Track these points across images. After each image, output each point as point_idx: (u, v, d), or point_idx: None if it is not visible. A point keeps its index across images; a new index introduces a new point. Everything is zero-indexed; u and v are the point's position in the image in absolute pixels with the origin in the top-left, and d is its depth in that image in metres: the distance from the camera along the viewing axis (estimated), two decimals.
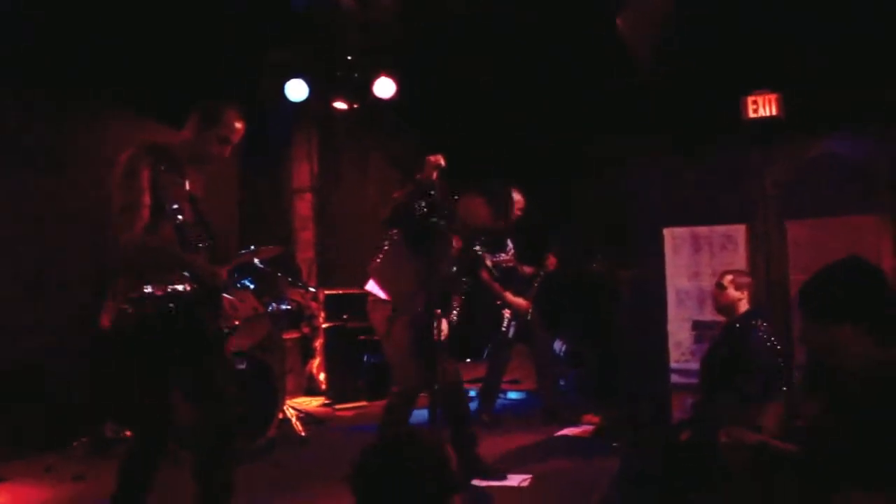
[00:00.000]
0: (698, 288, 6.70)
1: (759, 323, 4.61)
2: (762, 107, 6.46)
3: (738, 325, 4.67)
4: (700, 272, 6.69)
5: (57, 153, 5.99)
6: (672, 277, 6.77)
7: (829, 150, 6.49)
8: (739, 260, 6.52)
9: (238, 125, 3.69)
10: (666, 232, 6.76)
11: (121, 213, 3.31)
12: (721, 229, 6.58)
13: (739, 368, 4.34)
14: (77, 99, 6.14)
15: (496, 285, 6.03)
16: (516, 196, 5.97)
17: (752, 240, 6.53)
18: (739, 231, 6.56)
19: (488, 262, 5.94)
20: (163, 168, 3.39)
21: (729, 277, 4.84)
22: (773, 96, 6.40)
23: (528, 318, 6.28)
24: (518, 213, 5.98)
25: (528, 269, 6.27)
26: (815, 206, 6.52)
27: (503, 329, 6.15)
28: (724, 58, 6.28)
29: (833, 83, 6.12)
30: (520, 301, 6.16)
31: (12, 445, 5.40)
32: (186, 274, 3.42)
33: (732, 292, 4.76)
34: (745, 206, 6.73)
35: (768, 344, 4.44)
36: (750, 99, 6.44)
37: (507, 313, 6.15)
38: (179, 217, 3.41)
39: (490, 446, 5.29)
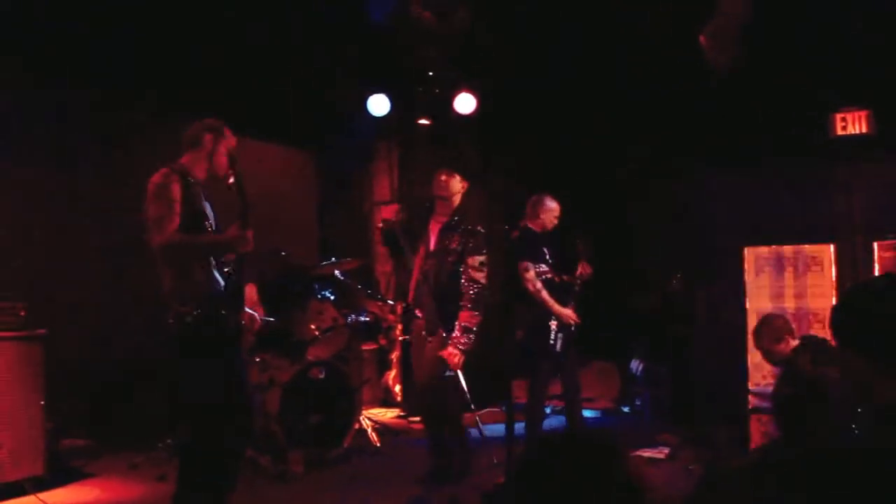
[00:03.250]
0: (780, 309, 6.52)
1: (807, 357, 4.50)
2: (851, 124, 6.30)
3: (794, 362, 4.57)
4: (782, 293, 6.53)
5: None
6: (753, 298, 6.63)
7: None
8: (826, 281, 6.34)
9: (216, 144, 3.84)
10: (747, 251, 6.63)
11: (154, 223, 3.62)
12: (807, 249, 6.41)
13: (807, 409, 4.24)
14: (162, 116, 6.40)
15: (544, 295, 5.82)
16: (552, 204, 5.93)
17: (840, 261, 6.35)
18: (826, 251, 6.38)
19: (531, 273, 5.84)
20: (191, 181, 3.75)
21: (765, 343, 4.74)
22: (862, 113, 6.24)
23: (573, 329, 6.03)
24: (554, 220, 5.94)
25: (564, 278, 6.04)
26: None
27: (551, 342, 5.89)
28: (813, 73, 6.13)
29: None
30: (567, 312, 5.92)
31: (102, 442, 5.67)
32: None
33: (778, 347, 4.67)
34: (832, 225, 6.57)
35: (826, 377, 4.30)
36: (839, 115, 6.30)
37: (553, 325, 5.88)
38: (210, 223, 3.78)
39: None
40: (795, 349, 4.63)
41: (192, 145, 3.89)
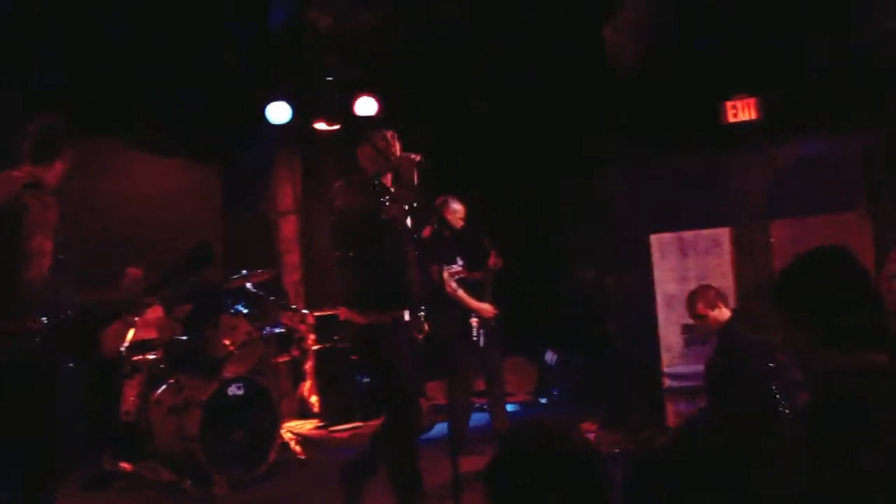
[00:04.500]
0: (686, 292, 6.78)
1: (743, 327, 4.69)
2: (741, 111, 6.60)
3: (726, 334, 4.73)
4: (687, 276, 6.77)
5: None
6: (660, 283, 6.85)
7: (807, 151, 6.64)
8: (725, 263, 6.62)
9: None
10: (653, 238, 6.85)
11: None
12: (706, 233, 6.68)
13: (736, 374, 4.40)
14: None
15: (460, 294, 5.88)
16: (456, 205, 6.00)
17: (737, 242, 6.64)
18: (724, 234, 6.66)
19: (445, 274, 5.89)
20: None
21: (700, 305, 4.91)
22: (751, 100, 6.54)
23: (493, 323, 6.11)
24: (460, 221, 6.01)
25: (476, 275, 6.13)
26: (796, 206, 6.66)
27: (473, 339, 5.96)
28: (703, 64, 6.39)
29: (809, 86, 6.26)
30: (485, 306, 5.99)
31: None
32: None
33: (712, 313, 4.84)
34: (728, 209, 6.86)
35: (760, 343, 4.50)
36: (729, 104, 6.58)
37: (474, 322, 5.95)
38: None
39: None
40: (732, 318, 4.79)
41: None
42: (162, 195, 7.35)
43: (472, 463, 3.97)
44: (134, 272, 3.94)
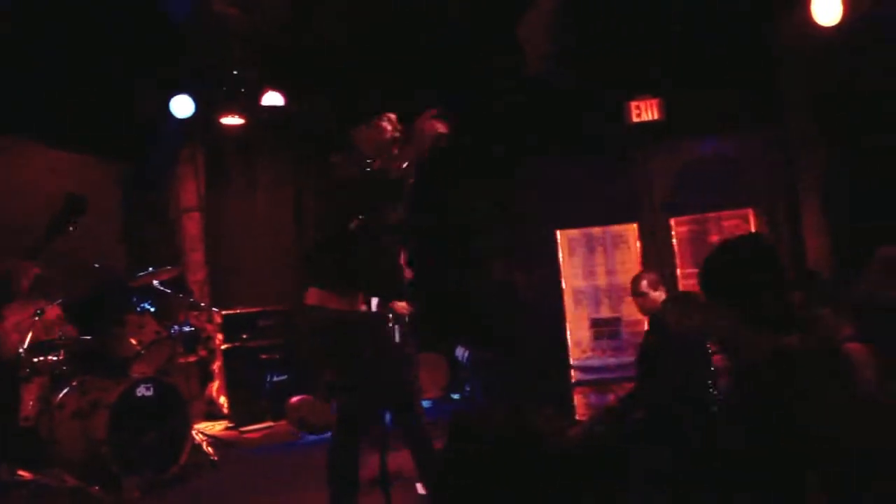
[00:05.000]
0: (594, 287, 6.99)
1: (675, 311, 4.85)
2: (644, 111, 6.84)
3: (658, 314, 4.91)
4: (595, 271, 6.98)
5: None
6: (568, 278, 7.02)
7: (707, 149, 6.95)
8: (632, 258, 6.86)
9: None
10: (560, 234, 7.01)
11: None
12: (614, 229, 6.89)
13: (674, 353, 4.54)
14: None
15: None
16: None
17: (643, 238, 6.88)
18: (630, 230, 6.89)
19: None
20: None
21: (644, 283, 5.10)
22: (654, 101, 6.79)
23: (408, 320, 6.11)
24: None
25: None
26: (696, 203, 6.95)
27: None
28: (609, 65, 6.58)
29: (708, 87, 6.55)
30: (400, 304, 5.98)
31: None
32: None
33: (654, 293, 5.03)
34: (633, 205, 7.09)
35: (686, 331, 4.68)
36: (633, 104, 6.81)
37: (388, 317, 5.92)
38: None
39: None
40: (665, 302, 4.96)
41: None
42: (59, 190, 7.00)
43: (393, 458, 3.95)
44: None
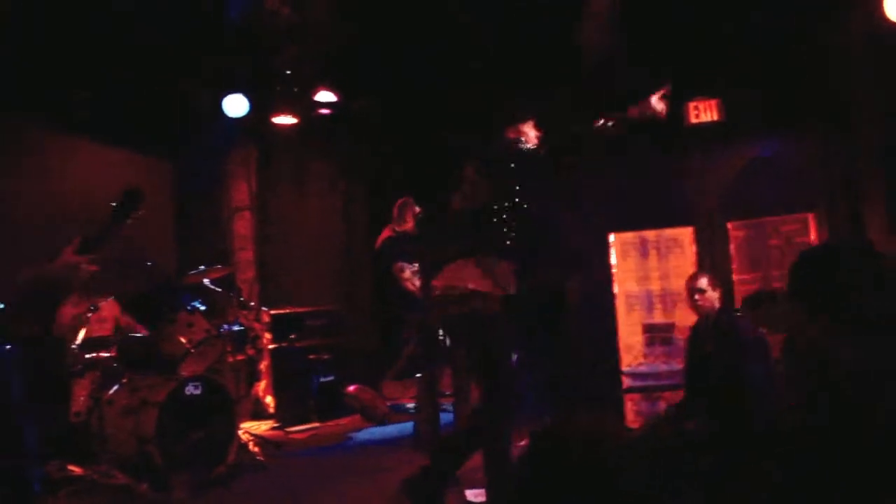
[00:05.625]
0: (647, 291, 6.82)
1: (739, 315, 4.72)
2: (703, 112, 6.65)
3: (722, 320, 4.76)
4: (648, 276, 6.81)
5: None
6: (621, 282, 6.87)
7: (766, 152, 6.73)
8: (687, 263, 6.66)
9: None
10: (614, 237, 6.86)
11: None
12: (668, 233, 6.72)
13: (733, 359, 4.40)
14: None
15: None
16: (416, 207, 6.03)
17: (699, 242, 6.69)
18: (686, 234, 6.70)
19: (408, 273, 5.88)
20: None
21: (704, 280, 4.95)
22: (713, 102, 6.60)
23: None
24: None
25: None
26: (754, 206, 6.74)
27: (440, 339, 5.91)
28: (668, 64, 6.42)
29: (768, 87, 6.35)
30: None
31: None
32: None
33: (712, 293, 4.88)
34: (690, 209, 6.91)
35: (754, 332, 4.55)
36: (692, 104, 6.63)
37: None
38: None
39: None
40: (746, 300, 4.81)
41: None
42: (109, 187, 7.07)
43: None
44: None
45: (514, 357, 7.74)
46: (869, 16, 5.67)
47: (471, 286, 3.69)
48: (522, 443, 5.76)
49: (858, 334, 2.01)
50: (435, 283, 3.93)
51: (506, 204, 3.84)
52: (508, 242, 3.82)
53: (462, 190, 4.02)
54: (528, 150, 3.96)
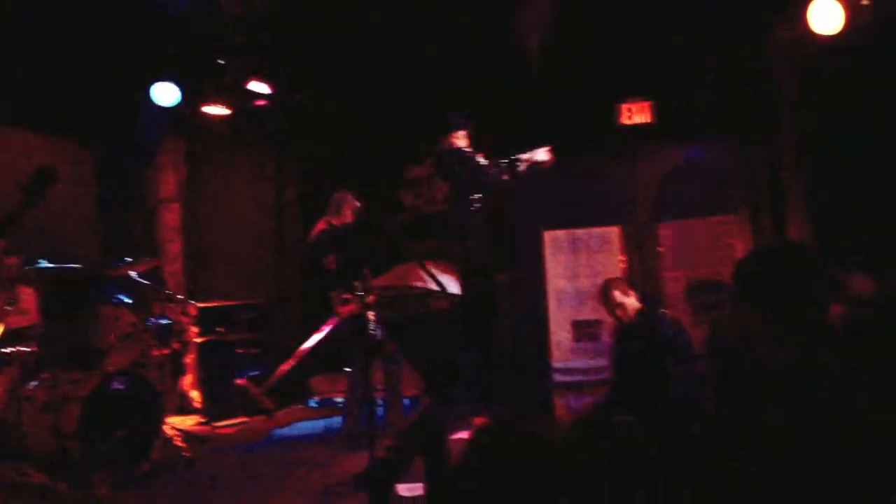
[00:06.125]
0: (576, 288, 6.92)
1: (661, 311, 4.81)
2: (636, 113, 6.79)
3: (643, 319, 4.83)
4: (578, 273, 6.91)
5: None
6: (551, 279, 6.95)
7: (695, 154, 6.91)
8: (615, 260, 6.80)
9: None
10: (546, 234, 6.94)
11: None
12: (598, 231, 6.83)
13: (658, 354, 4.49)
14: None
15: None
16: (355, 201, 6.22)
17: (627, 241, 6.83)
18: (614, 233, 6.83)
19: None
20: None
21: (617, 293, 5.01)
22: (645, 104, 6.74)
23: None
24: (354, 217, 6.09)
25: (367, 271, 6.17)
26: (681, 207, 6.91)
27: (371, 332, 5.90)
28: (601, 67, 6.53)
29: (699, 91, 6.51)
30: None
31: None
32: None
33: (629, 300, 4.95)
34: (620, 208, 7.05)
35: (676, 327, 4.64)
36: (625, 106, 6.75)
37: (371, 315, 5.91)
38: None
39: None
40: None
41: None
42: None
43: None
44: None
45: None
46: (793, 27, 5.87)
47: (419, 286, 3.75)
48: (458, 436, 5.82)
49: (798, 334, 2.08)
50: (379, 281, 3.98)
51: (460, 209, 3.99)
52: (464, 250, 3.97)
53: (415, 189, 4.08)
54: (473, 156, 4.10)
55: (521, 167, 4.27)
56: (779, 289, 2.08)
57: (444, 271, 3.89)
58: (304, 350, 6.91)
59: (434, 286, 3.71)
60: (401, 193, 4.15)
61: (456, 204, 4.05)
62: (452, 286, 3.92)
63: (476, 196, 4.19)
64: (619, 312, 4.98)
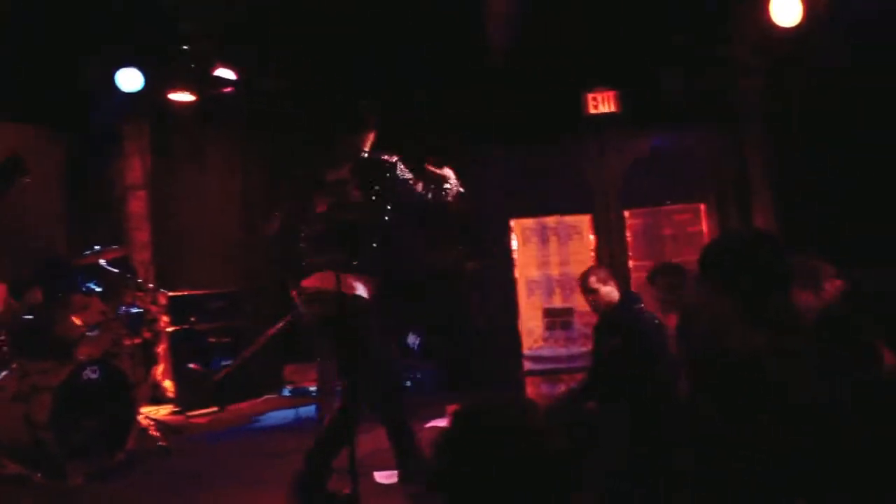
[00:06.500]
0: (547, 277, 7.02)
1: (640, 307, 4.84)
2: (602, 103, 6.87)
3: (621, 313, 4.83)
4: (548, 261, 7.00)
5: None
6: (521, 267, 7.04)
7: (661, 144, 7.03)
8: (585, 248, 6.90)
9: None
10: (514, 223, 7.02)
11: None
12: (568, 219, 6.92)
13: (636, 351, 4.54)
14: None
15: None
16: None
17: (597, 229, 6.93)
18: (584, 221, 6.93)
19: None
20: None
21: (593, 279, 4.98)
22: (611, 93, 6.83)
23: None
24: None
25: None
26: (649, 196, 7.04)
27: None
28: (567, 56, 6.59)
29: (665, 81, 6.61)
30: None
31: None
32: None
33: (604, 288, 4.93)
34: (588, 197, 7.15)
35: (656, 322, 4.67)
36: (590, 95, 6.84)
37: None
38: None
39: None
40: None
41: None
42: None
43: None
44: None
45: (416, 341, 7.88)
46: (757, 19, 5.98)
47: (330, 288, 3.82)
48: (432, 424, 5.88)
49: (765, 320, 2.14)
50: (305, 283, 4.07)
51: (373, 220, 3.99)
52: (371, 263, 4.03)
53: (329, 194, 4.06)
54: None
55: (450, 189, 4.12)
56: (745, 276, 2.14)
57: (357, 278, 3.96)
58: (260, 342, 6.96)
59: (345, 289, 3.75)
60: (315, 197, 4.13)
61: (370, 215, 4.01)
62: (361, 290, 3.99)
63: (391, 211, 4.09)
64: (590, 299, 4.98)
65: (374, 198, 3.98)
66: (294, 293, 4.21)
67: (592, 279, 4.96)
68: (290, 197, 5.44)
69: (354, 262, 3.88)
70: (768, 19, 5.80)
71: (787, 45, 5.98)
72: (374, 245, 4.01)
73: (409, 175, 4.03)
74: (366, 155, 4.13)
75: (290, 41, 7.35)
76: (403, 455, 4.10)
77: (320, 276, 3.96)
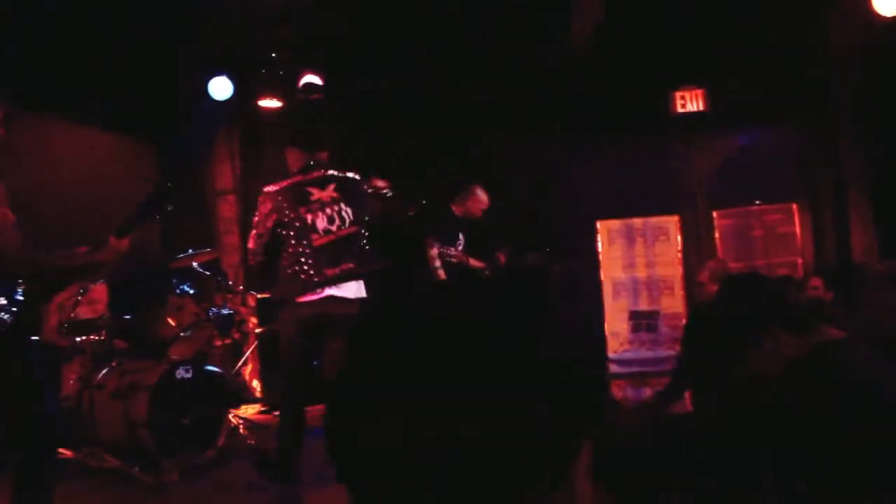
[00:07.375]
0: (633, 279, 6.90)
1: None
2: (689, 101, 6.72)
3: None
4: (634, 263, 6.89)
5: None
6: (607, 269, 6.94)
7: (751, 142, 6.82)
8: (672, 250, 6.76)
9: None
10: (600, 224, 6.92)
11: None
12: (654, 221, 6.79)
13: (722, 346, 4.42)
14: None
15: (439, 273, 5.93)
16: (483, 196, 6.10)
17: (684, 230, 6.77)
18: (671, 222, 6.79)
19: (434, 252, 5.96)
20: None
21: (706, 273, 4.89)
22: (699, 91, 6.67)
23: None
24: (479, 212, 6.08)
25: (477, 264, 6.19)
26: (738, 195, 6.84)
27: None
28: (654, 55, 6.46)
29: (755, 78, 6.41)
30: None
31: None
32: None
33: (710, 286, 4.84)
34: (675, 197, 6.99)
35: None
36: (678, 94, 6.69)
37: None
38: None
39: None
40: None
41: None
42: (92, 170, 7.00)
43: None
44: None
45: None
46: (855, 12, 5.74)
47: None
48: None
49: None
50: None
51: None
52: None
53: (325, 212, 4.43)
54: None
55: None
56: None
57: None
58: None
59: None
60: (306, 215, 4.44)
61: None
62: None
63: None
64: (696, 292, 4.94)
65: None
66: None
67: (705, 274, 4.92)
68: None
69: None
70: (868, 8, 5.55)
71: (887, 37, 5.71)
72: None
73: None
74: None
75: (379, 46, 7.42)
76: None
77: None
